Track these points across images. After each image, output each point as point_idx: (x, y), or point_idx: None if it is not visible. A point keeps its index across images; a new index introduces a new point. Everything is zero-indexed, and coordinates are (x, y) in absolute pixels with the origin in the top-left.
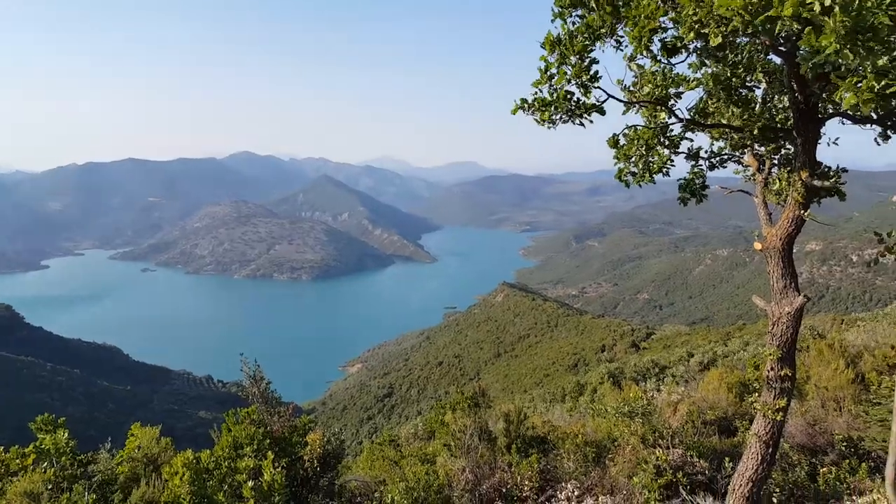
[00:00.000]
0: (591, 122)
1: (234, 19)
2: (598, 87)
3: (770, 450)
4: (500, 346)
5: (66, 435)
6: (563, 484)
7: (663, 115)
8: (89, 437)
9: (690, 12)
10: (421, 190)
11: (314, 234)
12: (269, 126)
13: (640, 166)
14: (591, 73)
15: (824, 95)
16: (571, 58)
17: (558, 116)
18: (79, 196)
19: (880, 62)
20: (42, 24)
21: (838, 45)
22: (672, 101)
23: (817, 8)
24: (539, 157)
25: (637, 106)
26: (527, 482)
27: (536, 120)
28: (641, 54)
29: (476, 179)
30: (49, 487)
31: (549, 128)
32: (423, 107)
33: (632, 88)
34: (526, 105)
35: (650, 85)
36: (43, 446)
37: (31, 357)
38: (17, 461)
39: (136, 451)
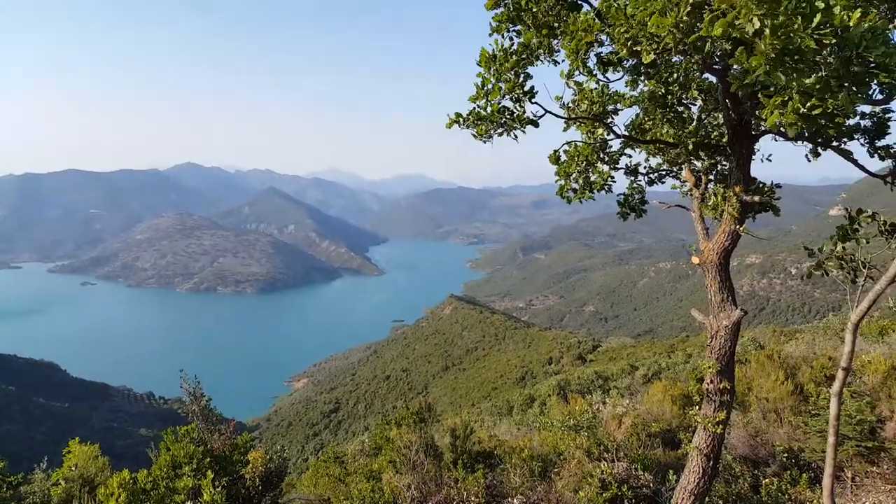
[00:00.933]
0: (524, 132)
1: (174, 28)
2: (536, 103)
3: (711, 462)
4: (448, 359)
5: None
6: (510, 499)
7: (601, 131)
8: (26, 456)
9: (623, 30)
10: (370, 202)
11: (260, 246)
12: (213, 137)
13: (581, 182)
14: (527, 88)
15: (756, 113)
16: (507, 74)
17: (494, 130)
18: (17, 207)
19: (808, 81)
20: None
21: (768, 66)
22: (609, 118)
23: (750, 30)
24: (487, 169)
25: (576, 122)
26: (473, 498)
27: (473, 134)
28: (578, 70)
29: (424, 192)
30: None
31: (485, 142)
32: (373, 120)
33: (570, 105)
34: (461, 119)
35: (587, 101)
36: None
37: None
38: None
39: (72, 470)
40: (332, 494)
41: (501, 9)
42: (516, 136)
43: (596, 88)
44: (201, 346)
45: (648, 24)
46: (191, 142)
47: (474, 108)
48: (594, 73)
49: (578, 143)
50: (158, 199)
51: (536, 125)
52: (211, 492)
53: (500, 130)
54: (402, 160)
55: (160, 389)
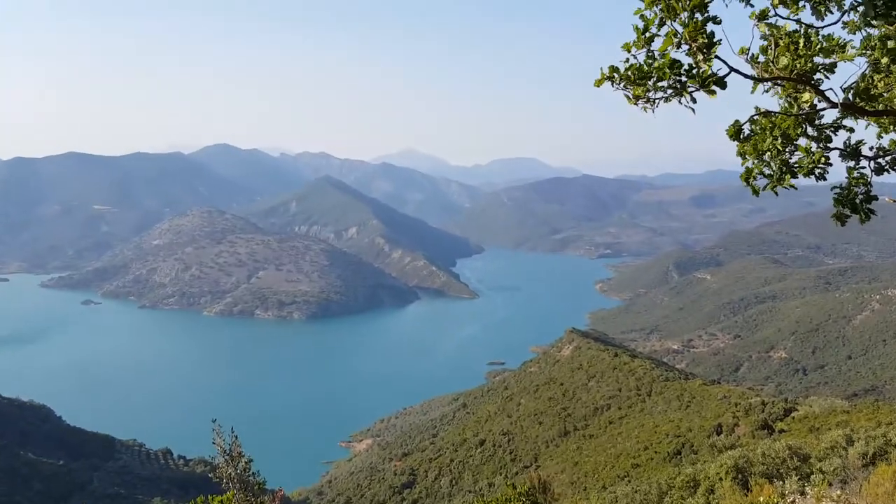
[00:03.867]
0: (713, 93)
1: None
2: (717, 57)
3: None
4: (568, 420)
5: None
6: None
7: (808, 96)
8: None
9: None
10: (458, 197)
11: (311, 256)
12: (252, 109)
13: (777, 165)
14: (707, 35)
15: None
16: (682, 13)
17: (659, 93)
18: (3, 201)
19: None
20: None
21: None
22: (820, 77)
23: None
24: (624, 151)
25: (770, 84)
26: None
27: (628, 97)
28: (778, 4)
29: (535, 182)
30: None
31: (645, 109)
32: (463, 83)
33: (762, 59)
34: (616, 75)
35: (788, 54)
36: None
37: None
38: None
39: None
40: None
41: None
42: (693, 101)
43: (798, 32)
44: (234, 389)
45: None
46: (223, 117)
47: (633, 61)
48: (800, 3)
49: (773, 113)
50: (181, 191)
51: (723, 85)
52: None
53: (668, 93)
54: (503, 138)
55: (180, 446)
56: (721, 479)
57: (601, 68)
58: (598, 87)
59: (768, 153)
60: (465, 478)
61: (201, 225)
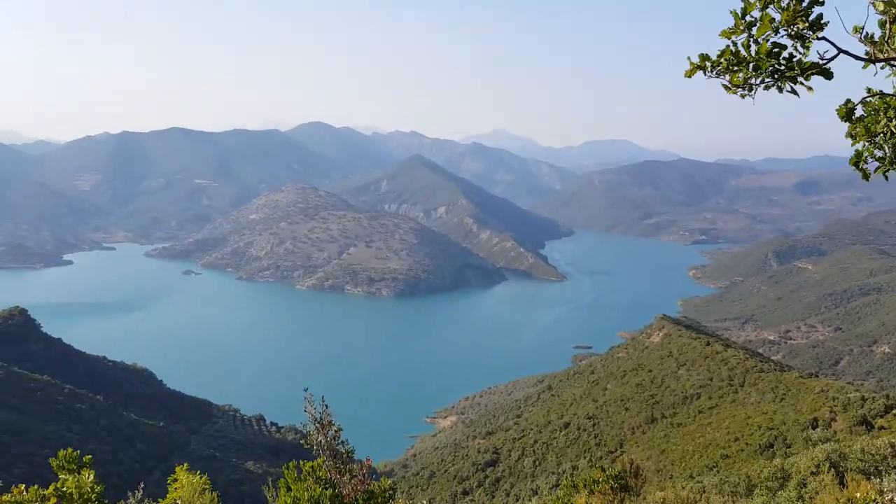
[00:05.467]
0: (811, 89)
1: None
2: (824, 38)
3: None
4: (656, 408)
5: (92, 477)
6: None
7: None
8: (112, 482)
9: None
10: (548, 179)
11: (400, 234)
12: (346, 89)
13: (890, 148)
14: (812, 18)
15: None
16: None
17: (759, 80)
18: (112, 174)
19: None
20: None
21: None
22: None
23: None
24: (723, 134)
25: (884, 64)
26: None
27: (725, 85)
28: None
29: (628, 165)
30: None
31: (743, 96)
32: (558, 64)
33: (876, 39)
34: (707, 64)
35: None
36: (65, 488)
37: (47, 376)
38: None
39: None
40: None
41: None
42: (795, 92)
43: None
44: (324, 360)
45: None
46: (318, 95)
47: (729, 47)
48: None
49: (888, 94)
50: (277, 167)
51: (828, 75)
52: None
53: (768, 81)
54: (596, 120)
55: (272, 413)
56: (815, 473)
57: (689, 58)
58: (690, 77)
59: (881, 135)
60: (549, 459)
61: (296, 201)
